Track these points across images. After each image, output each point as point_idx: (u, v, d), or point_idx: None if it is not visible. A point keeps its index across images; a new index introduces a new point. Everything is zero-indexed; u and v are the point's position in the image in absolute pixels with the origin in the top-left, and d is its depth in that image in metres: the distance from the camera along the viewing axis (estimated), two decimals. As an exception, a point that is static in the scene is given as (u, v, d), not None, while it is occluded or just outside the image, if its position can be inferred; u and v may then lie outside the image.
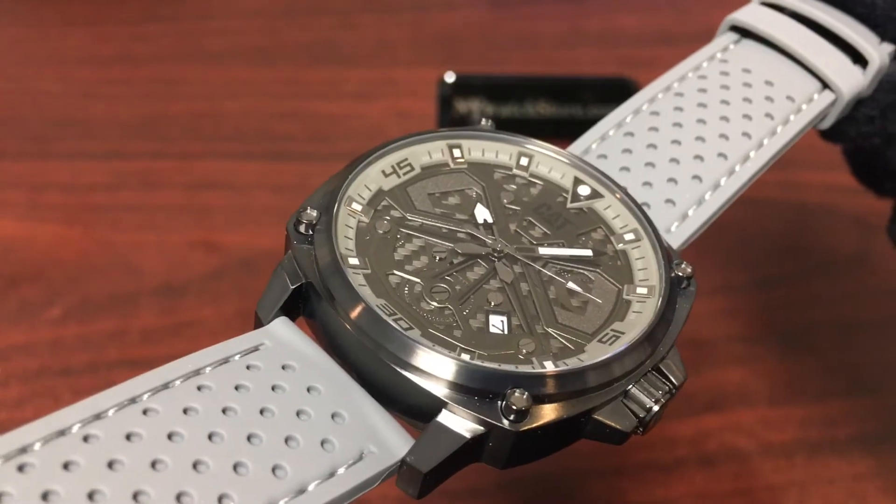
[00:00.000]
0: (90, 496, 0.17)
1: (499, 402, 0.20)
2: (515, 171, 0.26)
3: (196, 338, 0.39)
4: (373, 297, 0.22)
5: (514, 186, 0.26)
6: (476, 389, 0.20)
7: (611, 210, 0.26)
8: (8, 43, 0.51)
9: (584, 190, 0.26)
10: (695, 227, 0.26)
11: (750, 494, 0.36)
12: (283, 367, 0.21)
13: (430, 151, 0.26)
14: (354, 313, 0.21)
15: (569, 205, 0.26)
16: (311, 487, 0.19)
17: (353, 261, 0.23)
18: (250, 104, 0.48)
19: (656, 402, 0.22)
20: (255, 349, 0.21)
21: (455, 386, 0.20)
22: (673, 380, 0.22)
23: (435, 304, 0.23)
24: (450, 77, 0.48)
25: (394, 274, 0.23)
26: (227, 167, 0.45)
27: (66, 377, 0.38)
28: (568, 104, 0.49)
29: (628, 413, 0.22)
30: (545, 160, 0.26)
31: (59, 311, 0.40)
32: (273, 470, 0.19)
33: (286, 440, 0.20)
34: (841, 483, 0.36)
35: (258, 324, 0.23)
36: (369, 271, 0.23)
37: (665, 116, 0.28)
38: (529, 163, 0.26)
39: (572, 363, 0.22)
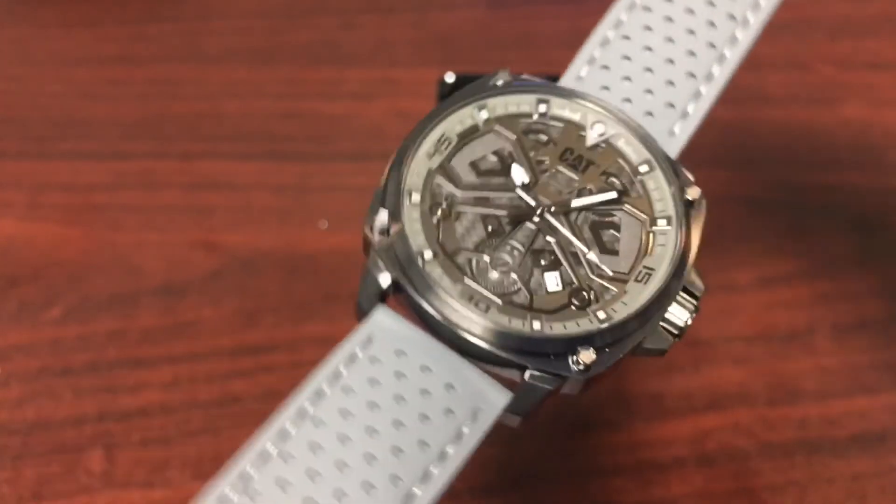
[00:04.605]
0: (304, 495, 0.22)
1: (570, 358, 0.24)
2: (536, 118, 0.28)
3: (196, 337, 0.40)
4: (451, 285, 0.25)
5: (538, 134, 0.28)
6: (550, 353, 0.24)
7: (624, 142, 0.27)
8: (8, 43, 0.51)
9: (599, 127, 0.28)
10: (696, 122, 0.28)
11: (749, 494, 0.36)
12: (397, 354, 0.24)
13: (461, 120, 0.28)
14: (438, 307, 0.24)
15: (588, 142, 0.27)
16: (448, 450, 0.23)
17: (428, 253, 0.25)
18: (250, 104, 0.48)
19: (686, 320, 0.25)
20: (370, 340, 0.25)
21: (533, 353, 0.24)
22: (696, 293, 0.26)
23: (498, 273, 0.25)
24: (450, 77, 0.48)
25: (460, 253, 0.26)
26: (227, 167, 0.45)
27: (66, 377, 0.38)
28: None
29: (667, 334, 0.25)
30: (560, 102, 0.28)
31: (59, 311, 0.40)
32: (420, 445, 0.23)
33: (421, 418, 0.23)
34: (840, 483, 0.36)
35: (361, 314, 0.26)
36: (442, 258, 0.25)
37: (656, 11, 0.29)
38: (548, 107, 0.28)
39: (620, 309, 0.25)
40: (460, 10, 0.53)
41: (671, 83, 0.28)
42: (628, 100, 0.28)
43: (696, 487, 0.36)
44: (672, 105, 0.28)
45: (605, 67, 0.29)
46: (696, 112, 0.28)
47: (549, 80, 0.29)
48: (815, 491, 0.36)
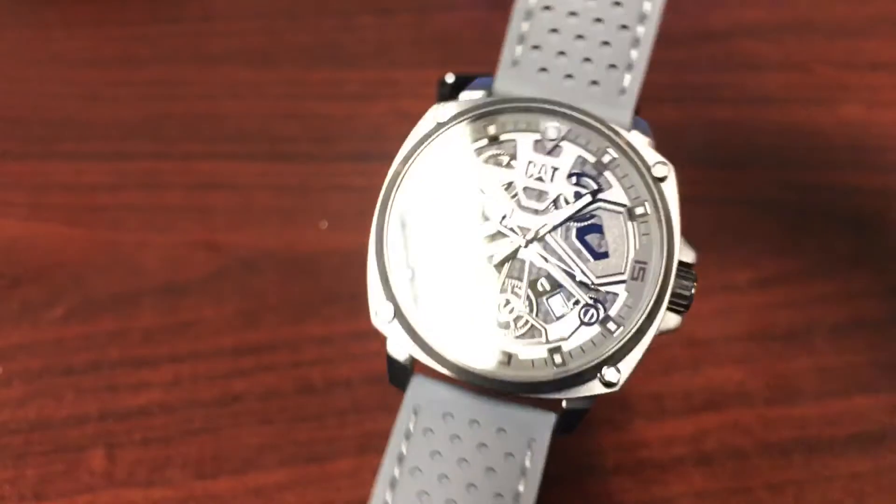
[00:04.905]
0: None
1: (598, 379, 0.25)
2: (489, 142, 0.27)
3: (198, 337, 0.40)
4: (465, 348, 0.25)
5: (497, 157, 0.27)
6: (577, 381, 0.25)
7: (581, 137, 0.27)
8: (10, 44, 0.51)
9: (552, 132, 0.27)
10: (643, 66, 0.27)
11: (748, 493, 0.36)
12: (444, 417, 0.25)
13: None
14: (461, 375, 0.25)
15: (546, 148, 0.27)
16: (520, 489, 0.25)
17: (437, 327, 0.26)
18: (251, 105, 0.48)
19: (691, 290, 0.26)
20: (417, 412, 0.26)
21: (563, 387, 0.25)
22: (690, 261, 0.26)
23: (507, 318, 0.26)
24: (450, 78, 0.48)
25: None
26: (228, 168, 0.46)
27: (68, 376, 0.39)
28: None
29: (676, 313, 0.26)
30: (505, 119, 0.27)
31: (61, 310, 0.40)
32: (495, 498, 0.24)
33: (488, 472, 0.25)
34: (839, 482, 0.36)
35: (398, 388, 0.27)
36: (452, 325, 0.26)
37: None
38: (497, 126, 0.27)
39: (628, 315, 0.25)
40: (461, 10, 0.53)
41: (606, 43, 0.27)
42: (570, 76, 0.27)
43: (695, 486, 0.36)
44: (614, 66, 0.27)
45: (537, 47, 0.28)
46: (641, 58, 0.27)
47: (487, 77, 0.29)
48: (813, 490, 0.36)
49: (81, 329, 0.40)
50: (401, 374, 0.26)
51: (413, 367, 0.26)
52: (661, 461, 0.37)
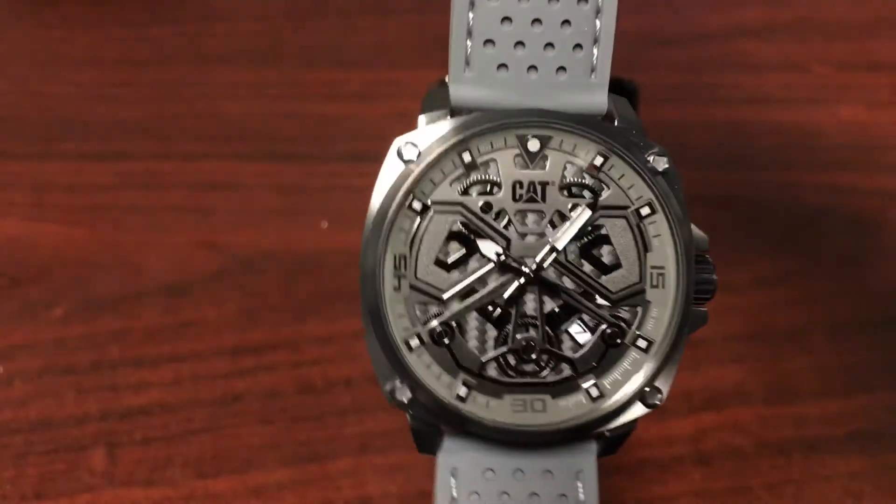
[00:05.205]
0: None
1: (640, 403, 0.24)
2: (467, 171, 0.24)
3: (199, 337, 0.40)
4: (497, 407, 0.24)
5: (478, 185, 0.24)
6: (619, 412, 0.24)
7: (566, 144, 0.24)
8: (11, 44, 0.51)
9: (533, 144, 0.24)
10: (610, 37, 0.24)
11: (747, 492, 0.36)
12: (487, 474, 0.24)
13: (401, 227, 0.24)
14: (495, 435, 0.24)
15: (529, 163, 0.24)
16: None
17: (461, 390, 0.24)
18: (252, 105, 0.48)
19: (713, 281, 0.25)
20: (455, 474, 0.24)
21: (606, 421, 0.24)
22: (704, 247, 0.25)
23: (534, 359, 0.24)
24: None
25: (487, 365, 0.24)
26: (229, 168, 0.46)
27: (69, 376, 0.39)
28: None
29: (702, 307, 0.25)
30: (482, 140, 0.24)
31: (62, 310, 0.40)
32: None
33: None
34: (837, 481, 0.36)
35: (428, 450, 0.25)
36: (474, 385, 0.24)
37: None
38: (472, 152, 0.24)
39: (655, 328, 0.24)
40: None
41: (566, 22, 0.24)
42: (534, 67, 0.24)
43: (694, 486, 0.36)
44: (579, 45, 0.24)
45: (490, 41, 0.24)
46: (607, 27, 0.24)
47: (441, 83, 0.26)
48: (812, 489, 0.36)
49: (82, 329, 0.40)
50: (429, 441, 0.25)
51: (440, 430, 0.25)
52: (660, 460, 0.37)
